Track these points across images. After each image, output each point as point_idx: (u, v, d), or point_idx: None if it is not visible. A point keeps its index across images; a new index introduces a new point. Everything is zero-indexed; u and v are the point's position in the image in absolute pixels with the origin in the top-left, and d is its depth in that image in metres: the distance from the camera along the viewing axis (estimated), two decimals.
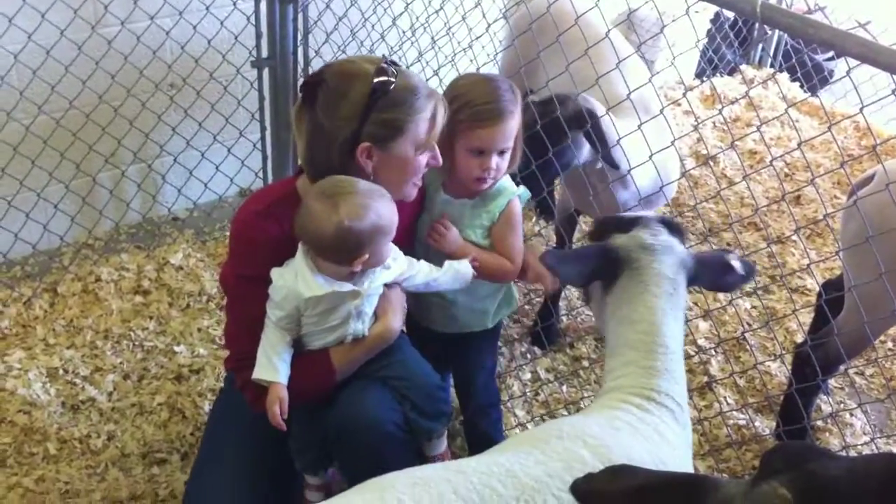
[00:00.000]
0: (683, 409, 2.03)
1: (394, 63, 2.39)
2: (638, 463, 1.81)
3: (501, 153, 2.60)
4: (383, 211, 2.31)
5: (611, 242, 2.18)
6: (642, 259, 2.11)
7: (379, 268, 2.43)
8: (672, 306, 2.11)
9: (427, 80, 3.51)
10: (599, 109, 3.05)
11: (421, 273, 2.56)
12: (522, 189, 2.78)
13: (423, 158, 2.44)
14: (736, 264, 2.25)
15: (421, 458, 2.72)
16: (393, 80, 2.33)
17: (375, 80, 2.31)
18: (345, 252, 2.31)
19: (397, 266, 2.50)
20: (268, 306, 2.43)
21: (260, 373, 2.42)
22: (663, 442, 1.92)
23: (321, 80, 2.35)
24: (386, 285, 2.49)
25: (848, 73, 2.22)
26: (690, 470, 2.01)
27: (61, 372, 3.46)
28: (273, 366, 2.41)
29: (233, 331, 2.62)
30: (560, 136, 2.95)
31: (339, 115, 2.32)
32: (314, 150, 2.39)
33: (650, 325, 2.05)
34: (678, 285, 2.14)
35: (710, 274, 2.23)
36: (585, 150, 3.10)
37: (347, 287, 2.38)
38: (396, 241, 2.46)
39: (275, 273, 2.40)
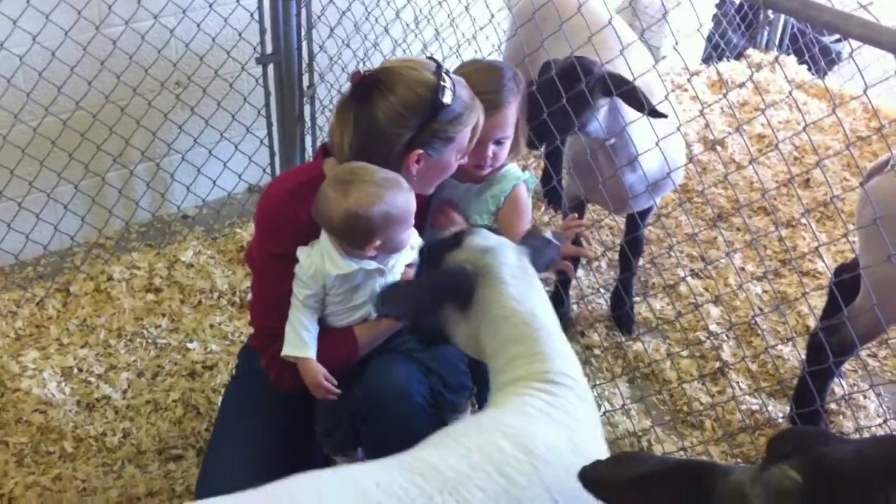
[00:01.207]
0: (581, 384, 2.05)
1: (447, 71, 2.44)
2: (554, 445, 1.84)
3: (498, 142, 2.63)
4: (396, 201, 2.34)
5: (453, 262, 2.17)
6: (489, 261, 2.12)
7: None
8: (532, 288, 2.13)
9: None
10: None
11: None
12: (528, 174, 2.79)
13: (459, 161, 2.54)
14: (551, 237, 2.33)
15: None
16: (452, 93, 2.39)
17: (440, 93, 2.37)
18: (355, 237, 2.36)
19: (420, 246, 2.56)
20: (294, 285, 2.47)
21: (290, 349, 2.46)
22: (574, 421, 1.94)
23: (378, 80, 2.39)
24: (407, 265, 2.53)
25: (851, 54, 2.22)
26: (602, 438, 2.03)
27: (76, 371, 3.48)
28: (303, 341, 2.45)
29: (259, 307, 2.65)
30: (583, 102, 2.92)
31: (396, 121, 2.38)
32: (368, 149, 2.42)
33: (523, 314, 2.06)
34: (527, 268, 2.16)
35: (539, 254, 2.26)
36: (601, 117, 3.07)
37: (373, 265, 2.43)
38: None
39: (301, 253, 2.45)
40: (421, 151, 2.42)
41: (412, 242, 2.52)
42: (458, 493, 1.73)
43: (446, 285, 2.15)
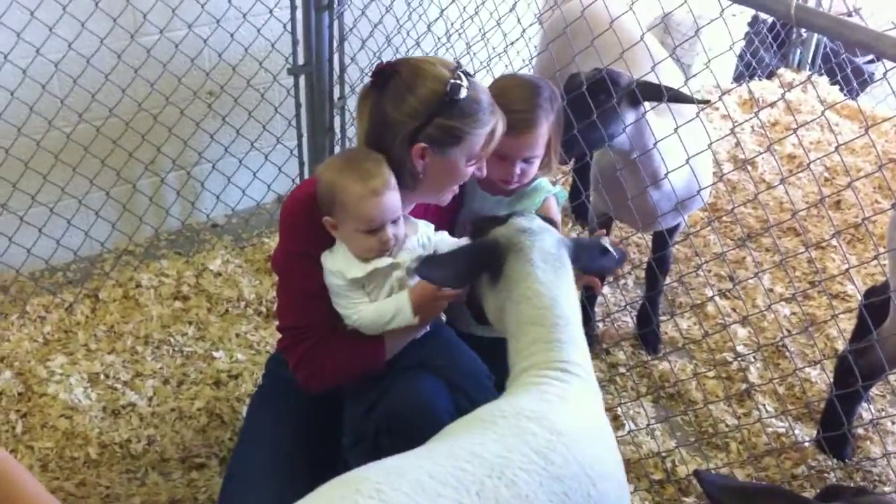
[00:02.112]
0: (591, 376, 2.12)
1: (467, 73, 2.44)
2: (576, 426, 1.92)
3: (527, 160, 2.62)
4: (350, 187, 2.35)
5: (492, 236, 2.24)
6: (524, 241, 2.17)
7: (414, 239, 2.50)
8: (562, 277, 2.16)
9: None
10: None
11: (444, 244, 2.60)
12: (559, 188, 2.79)
13: (471, 169, 2.51)
14: (611, 248, 2.35)
15: None
16: (465, 88, 2.38)
17: (448, 85, 2.37)
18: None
19: (431, 236, 2.58)
20: (338, 301, 2.48)
21: (395, 321, 2.45)
22: (584, 408, 2.02)
23: (395, 72, 2.42)
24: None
25: (885, 75, 2.19)
26: (611, 430, 2.10)
27: (102, 377, 3.50)
28: (385, 307, 2.45)
29: (285, 305, 2.65)
30: (610, 113, 2.91)
31: (405, 110, 2.38)
32: (376, 136, 2.45)
33: (545, 298, 2.10)
34: (562, 259, 2.20)
35: (588, 257, 2.31)
36: (628, 129, 3.05)
37: (386, 262, 2.44)
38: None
39: (325, 259, 2.48)
40: (425, 145, 2.40)
41: (420, 237, 2.52)
42: (505, 477, 1.77)
43: (475, 254, 2.23)
